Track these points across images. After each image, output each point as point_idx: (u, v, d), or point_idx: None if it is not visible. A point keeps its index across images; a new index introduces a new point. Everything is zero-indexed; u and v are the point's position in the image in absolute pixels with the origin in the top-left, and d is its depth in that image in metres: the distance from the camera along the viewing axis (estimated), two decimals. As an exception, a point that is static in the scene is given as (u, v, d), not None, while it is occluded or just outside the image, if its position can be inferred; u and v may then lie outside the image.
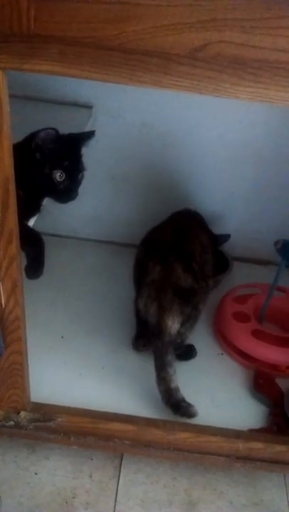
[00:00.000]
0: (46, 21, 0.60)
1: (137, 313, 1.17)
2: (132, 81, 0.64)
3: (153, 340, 1.10)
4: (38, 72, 0.64)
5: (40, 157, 0.96)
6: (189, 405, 1.05)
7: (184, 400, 1.06)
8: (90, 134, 1.06)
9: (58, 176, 0.97)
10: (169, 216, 1.28)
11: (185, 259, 1.12)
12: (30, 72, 0.64)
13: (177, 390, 1.06)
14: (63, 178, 0.98)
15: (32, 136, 0.97)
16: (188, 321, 1.11)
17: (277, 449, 1.00)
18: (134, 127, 1.35)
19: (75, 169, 1.01)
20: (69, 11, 0.60)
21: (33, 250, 0.97)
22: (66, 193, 1.00)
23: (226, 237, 1.40)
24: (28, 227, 0.97)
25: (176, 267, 1.10)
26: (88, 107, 1.31)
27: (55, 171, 0.97)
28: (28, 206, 0.97)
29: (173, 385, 1.06)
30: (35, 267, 0.98)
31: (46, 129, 0.95)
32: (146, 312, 1.11)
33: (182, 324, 1.10)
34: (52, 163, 0.97)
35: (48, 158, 0.96)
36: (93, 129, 1.13)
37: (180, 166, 1.41)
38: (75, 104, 1.31)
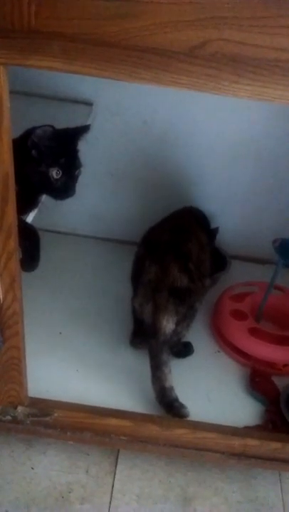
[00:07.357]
0: (47, 17, 0.61)
1: (133, 311, 1.17)
2: (131, 78, 0.64)
3: (148, 339, 1.10)
4: (39, 68, 0.64)
5: (36, 154, 0.95)
6: (182, 406, 1.06)
7: (177, 400, 1.06)
8: (86, 129, 1.04)
9: (55, 173, 0.96)
10: (169, 214, 1.28)
11: (181, 259, 1.12)
12: (30, 68, 0.65)
13: (171, 389, 1.07)
14: (60, 175, 0.97)
15: (28, 133, 0.95)
16: (185, 320, 1.12)
17: (273, 447, 1.00)
18: (134, 125, 1.35)
19: (71, 166, 1.00)
20: (70, 8, 0.60)
21: (29, 244, 0.97)
22: (63, 190, 1.00)
23: (215, 231, 1.38)
24: (23, 220, 0.97)
25: (172, 267, 1.11)
26: (88, 103, 1.31)
27: (52, 169, 0.96)
28: (24, 201, 0.96)
29: (167, 385, 1.06)
30: (30, 260, 0.98)
31: (43, 126, 0.94)
32: (142, 311, 1.11)
33: (178, 323, 1.10)
34: (48, 160, 0.96)
35: (44, 155, 0.95)
36: (93, 126, 1.13)
37: (179, 164, 1.41)
38: (76, 101, 1.31)
